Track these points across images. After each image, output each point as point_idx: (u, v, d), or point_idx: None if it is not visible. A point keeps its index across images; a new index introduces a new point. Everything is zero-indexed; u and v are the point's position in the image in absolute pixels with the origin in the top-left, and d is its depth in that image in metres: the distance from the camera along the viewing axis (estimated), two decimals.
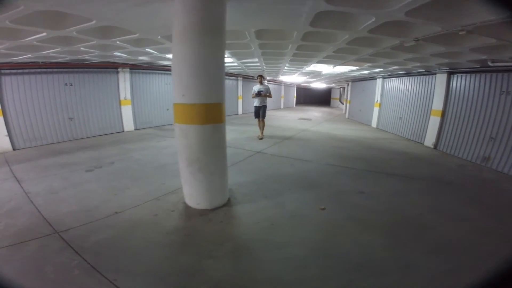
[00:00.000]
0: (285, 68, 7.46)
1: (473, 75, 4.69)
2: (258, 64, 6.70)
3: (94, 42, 3.52)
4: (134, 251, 1.90)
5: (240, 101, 12.02)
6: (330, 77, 9.94)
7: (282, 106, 17.15)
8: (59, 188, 3.09)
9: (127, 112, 7.18)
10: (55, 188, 3.08)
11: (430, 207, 2.77)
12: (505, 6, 1.01)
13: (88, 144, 5.60)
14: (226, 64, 3.18)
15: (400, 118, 7.04)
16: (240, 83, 11.83)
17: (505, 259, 1.14)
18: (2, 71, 4.91)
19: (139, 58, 5.75)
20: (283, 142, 6.11)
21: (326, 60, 5.42)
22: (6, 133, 5.05)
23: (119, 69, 6.82)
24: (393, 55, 4.32)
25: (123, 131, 7.17)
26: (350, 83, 11.39)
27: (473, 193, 3.23)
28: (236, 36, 3.48)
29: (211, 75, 2.29)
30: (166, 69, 7.77)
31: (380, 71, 6.90)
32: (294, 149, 5.37)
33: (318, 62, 5.80)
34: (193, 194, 2.58)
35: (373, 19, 2.41)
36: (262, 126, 6.36)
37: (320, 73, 8.08)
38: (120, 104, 7.05)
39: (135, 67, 6.96)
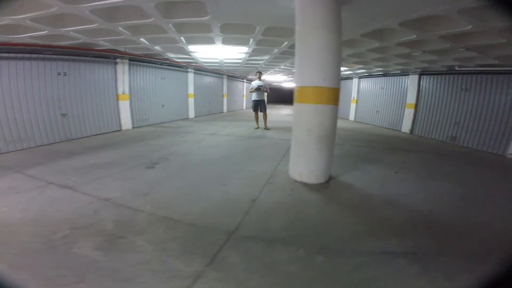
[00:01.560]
0: (282, 66, 8.27)
1: (439, 76, 6.48)
2: (261, 62, 7.41)
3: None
4: (318, 223, 2.25)
5: (225, 99, 12.13)
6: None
7: (245, 106, 15.81)
8: (140, 187, 2.78)
9: (125, 108, 6.61)
10: (137, 189, 2.73)
11: (443, 165, 4.16)
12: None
13: (92, 145, 4.84)
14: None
15: (377, 111, 8.78)
16: (225, 81, 11.97)
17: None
18: None
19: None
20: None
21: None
22: None
23: (118, 60, 6.24)
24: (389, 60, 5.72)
25: (120, 130, 6.58)
26: None
27: (461, 158, 4.85)
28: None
29: (339, 64, 2.84)
30: (166, 62, 7.37)
31: (361, 72, 8.48)
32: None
33: None
34: (314, 171, 3.04)
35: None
36: (264, 117, 7.12)
37: None
38: (117, 100, 6.44)
39: (135, 58, 6.45)
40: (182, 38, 4.70)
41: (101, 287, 1.39)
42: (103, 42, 4.83)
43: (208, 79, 10.62)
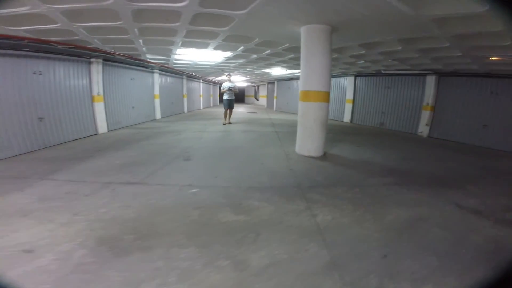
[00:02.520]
0: (247, 68, 9.38)
1: (369, 77, 8.85)
2: (233, 64, 8.36)
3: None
4: (339, 175, 3.68)
5: (185, 99, 12.21)
6: (257, 77, 12.70)
7: (202, 106, 16.16)
8: (204, 173, 3.36)
9: (100, 110, 6.34)
10: (202, 174, 3.30)
11: (382, 141, 6.08)
12: None
13: (86, 148, 4.72)
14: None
15: None
16: (185, 82, 12.06)
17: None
18: None
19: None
20: (267, 127, 8.09)
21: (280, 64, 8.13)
22: None
23: (92, 59, 5.97)
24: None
25: (97, 134, 6.30)
26: (276, 82, 14.69)
27: (391, 136, 7.09)
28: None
29: (330, 76, 4.19)
30: (135, 62, 7.28)
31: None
32: (284, 129, 7.57)
33: (274, 66, 8.40)
34: (317, 147, 4.30)
35: None
36: (230, 114, 8.31)
37: (270, 74, 10.56)
38: (92, 101, 6.15)
39: (109, 57, 6.19)
40: (179, 41, 5.11)
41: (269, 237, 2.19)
42: (97, 41, 4.78)
43: (170, 80, 10.64)
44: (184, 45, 5.51)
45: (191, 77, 12.48)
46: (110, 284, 1.42)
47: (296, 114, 11.65)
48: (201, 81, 15.07)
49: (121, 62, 7.00)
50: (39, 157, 4.07)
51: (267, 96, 17.92)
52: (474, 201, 2.77)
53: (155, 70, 8.93)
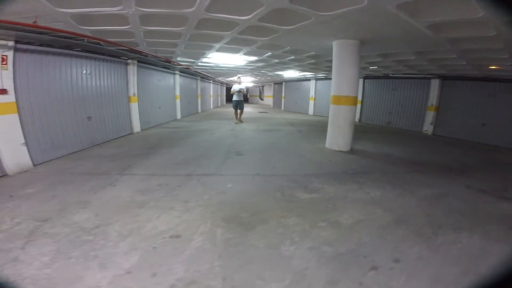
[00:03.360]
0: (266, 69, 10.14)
1: (377, 80, 9.76)
2: (250, 67, 9.11)
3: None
4: (370, 165, 4.53)
5: (199, 99, 12.84)
6: (266, 78, 13.48)
7: (212, 106, 16.91)
8: (265, 165, 4.13)
9: (135, 110, 6.88)
10: (264, 166, 4.09)
11: (393, 138, 7.00)
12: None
13: (141, 145, 5.35)
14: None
15: None
16: (199, 82, 12.69)
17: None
18: (18, 46, 3.67)
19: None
20: (287, 126, 8.90)
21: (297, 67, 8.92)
22: (23, 140, 3.74)
23: (129, 60, 6.47)
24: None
25: (132, 133, 6.85)
26: (283, 83, 15.49)
27: (399, 134, 8.02)
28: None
29: (358, 83, 4.99)
30: (165, 65, 7.83)
31: (321, 75, 11.27)
32: (303, 128, 8.39)
33: (289, 69, 9.23)
34: (347, 143, 5.14)
35: None
36: (240, 113, 9.35)
37: (282, 76, 11.35)
38: (129, 101, 6.70)
39: (142, 59, 6.66)
40: (218, 46, 5.67)
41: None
42: (145, 44, 5.17)
43: (188, 81, 11.26)
44: (220, 50, 6.13)
45: (203, 78, 13.12)
46: (259, 250, 1.95)
47: (305, 114, 13.15)
48: (211, 81, 15.72)
49: (151, 64, 7.56)
50: (96, 155, 4.53)
51: (273, 96, 18.77)
52: (479, 184, 3.61)
53: (176, 72, 9.55)
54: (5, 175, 3.44)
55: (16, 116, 3.64)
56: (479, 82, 7.14)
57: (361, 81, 10.47)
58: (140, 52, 5.90)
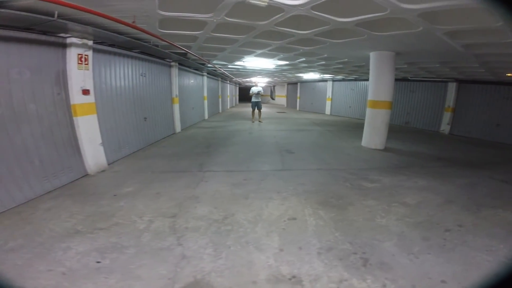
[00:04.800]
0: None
1: (396, 82, 10.61)
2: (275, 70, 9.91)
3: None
4: (405, 160, 5.38)
5: (219, 100, 13.61)
6: (283, 79, 14.30)
7: (229, 106, 17.83)
8: (320, 165, 5.13)
9: (176, 111, 7.55)
10: (319, 166, 5.13)
11: (415, 137, 7.95)
12: None
13: (190, 147, 6.15)
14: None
15: (350, 107, 12.62)
16: (220, 83, 13.45)
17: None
18: (98, 48, 4.06)
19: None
20: (313, 126, 9.74)
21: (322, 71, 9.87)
22: (101, 140, 4.15)
23: (172, 63, 7.10)
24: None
25: (175, 133, 7.52)
26: (299, 83, 16.34)
27: (419, 133, 8.94)
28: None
29: (393, 88, 5.83)
30: (196, 67, 8.52)
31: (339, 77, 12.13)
32: (330, 128, 9.23)
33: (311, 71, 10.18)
34: (382, 142, 6.00)
35: None
36: (259, 113, 10.45)
37: (301, 77, 12.17)
38: (172, 103, 7.36)
39: (182, 61, 7.22)
40: (261, 52, 6.36)
41: None
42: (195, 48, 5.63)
43: (212, 82, 12.03)
44: (260, 55, 6.82)
45: (224, 78, 13.89)
46: (361, 222, 2.68)
47: (322, 113, 14.19)
48: (228, 82, 16.50)
49: (187, 66, 8.26)
50: (158, 154, 5.21)
51: (287, 96, 19.64)
52: (501, 176, 4.46)
53: (204, 73, 10.30)
54: (86, 175, 3.88)
55: (95, 116, 4.04)
56: (494, 86, 8.04)
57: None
58: (184, 55, 6.40)
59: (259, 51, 6.27)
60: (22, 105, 3.10)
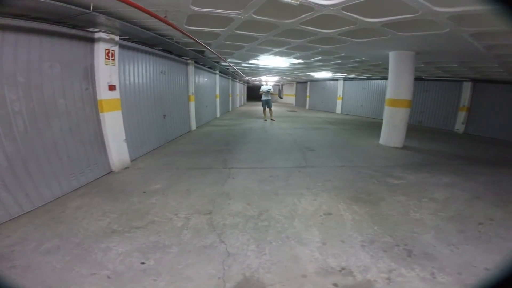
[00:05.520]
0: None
1: None
2: (286, 69, 9.86)
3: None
4: (425, 158, 5.33)
5: (230, 98, 13.61)
6: (293, 78, 14.24)
7: (238, 104, 17.82)
8: (343, 162, 5.21)
9: (192, 109, 7.56)
10: (342, 163, 5.18)
11: (431, 136, 7.88)
12: None
13: (207, 144, 6.15)
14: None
15: (361, 106, 12.52)
16: (230, 82, 13.45)
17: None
18: (122, 43, 4.04)
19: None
20: (327, 124, 9.71)
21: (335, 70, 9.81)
22: (124, 137, 4.13)
23: (189, 60, 7.09)
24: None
25: (190, 130, 7.54)
26: (308, 82, 16.28)
27: (433, 132, 8.84)
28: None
29: (412, 88, 5.74)
30: (210, 65, 8.53)
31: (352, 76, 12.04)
32: (344, 126, 9.17)
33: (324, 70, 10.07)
34: (401, 140, 5.95)
35: None
36: (270, 112, 10.37)
37: (313, 76, 12.10)
38: (188, 100, 7.36)
39: (198, 59, 7.23)
40: (278, 50, 6.32)
41: None
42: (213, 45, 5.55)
43: (224, 81, 12.03)
44: (276, 53, 6.78)
45: (234, 77, 13.88)
46: (396, 217, 2.74)
47: (332, 112, 14.14)
48: (237, 81, 16.50)
49: (201, 64, 8.25)
50: (179, 151, 5.20)
51: (296, 95, 19.59)
52: None
53: (217, 72, 10.29)
54: (111, 172, 3.86)
55: (120, 113, 4.01)
56: (509, 85, 7.88)
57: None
58: (201, 52, 6.41)
59: (277, 49, 6.25)
60: (53, 100, 3.10)
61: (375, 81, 12.09)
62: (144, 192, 3.22)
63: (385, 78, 11.37)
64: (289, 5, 3.09)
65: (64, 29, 3.21)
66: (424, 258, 2.03)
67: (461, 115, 9.10)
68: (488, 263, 1.98)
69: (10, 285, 1.26)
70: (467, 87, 8.90)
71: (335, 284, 1.75)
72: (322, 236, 2.34)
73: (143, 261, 1.94)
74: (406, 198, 3.21)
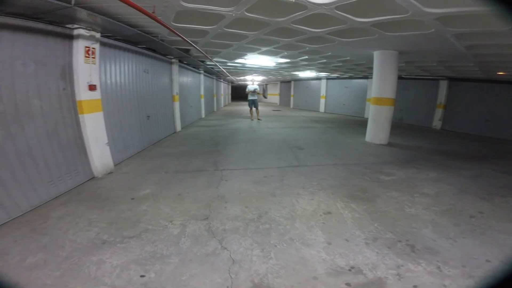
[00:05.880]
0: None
1: None
2: (271, 67, 9.88)
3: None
4: (410, 155, 5.52)
5: (214, 99, 13.35)
6: (277, 77, 14.31)
7: (222, 105, 17.43)
8: (334, 160, 5.21)
9: (177, 109, 7.30)
10: (334, 161, 5.16)
11: (410, 133, 8.20)
12: None
13: (195, 146, 5.95)
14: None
15: (344, 104, 12.81)
16: (215, 82, 13.19)
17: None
18: (104, 41, 3.78)
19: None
20: (313, 123, 9.76)
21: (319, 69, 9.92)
22: (107, 140, 3.87)
23: (173, 59, 6.84)
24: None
25: (175, 132, 7.29)
26: (292, 82, 16.39)
27: (412, 129, 9.24)
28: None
29: (395, 86, 5.94)
30: (194, 64, 8.35)
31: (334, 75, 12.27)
32: (330, 125, 9.32)
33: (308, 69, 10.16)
34: (386, 137, 6.15)
35: None
36: (257, 112, 10.28)
37: (297, 76, 12.21)
38: (173, 100, 7.11)
39: (182, 57, 6.96)
40: (265, 49, 6.27)
41: None
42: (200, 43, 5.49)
43: (208, 81, 11.77)
44: (263, 52, 6.72)
45: (218, 77, 13.65)
46: (393, 213, 2.91)
47: (316, 111, 14.32)
48: (222, 80, 16.25)
49: (187, 64, 8.03)
50: (165, 153, 4.95)
51: (280, 94, 19.67)
52: (501, 168, 4.67)
53: (201, 71, 10.06)
54: (93, 177, 3.60)
55: (101, 114, 3.73)
56: (484, 83, 8.43)
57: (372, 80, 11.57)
58: (187, 51, 6.23)
59: (265, 49, 6.20)
60: (26, 101, 2.83)
61: (357, 80, 12.43)
62: (133, 199, 3.02)
63: (367, 77, 11.73)
64: (284, 3, 3.05)
65: (40, 25, 2.95)
66: (427, 253, 2.07)
67: (438, 112, 9.57)
68: (488, 255, 2.05)
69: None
70: (443, 85, 9.38)
71: (348, 284, 1.72)
72: (326, 236, 2.31)
73: (142, 274, 1.79)
74: (399, 194, 3.28)
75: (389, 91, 5.94)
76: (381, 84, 5.99)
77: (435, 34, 3.98)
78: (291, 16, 3.63)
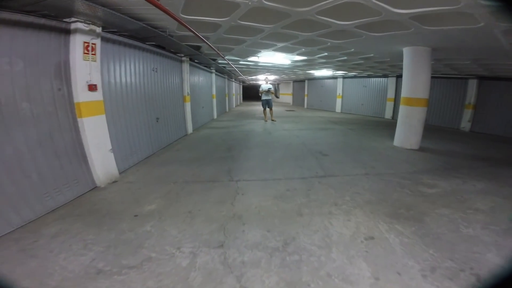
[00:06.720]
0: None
1: None
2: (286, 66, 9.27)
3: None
4: (443, 160, 4.82)
5: (226, 98, 12.91)
6: (290, 76, 13.66)
7: (234, 105, 16.91)
8: (364, 169, 4.69)
9: (188, 110, 6.83)
10: (364, 170, 4.63)
11: (440, 135, 7.51)
12: None
13: (207, 151, 5.35)
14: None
15: (362, 104, 12.05)
16: (226, 81, 12.76)
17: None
18: (106, 36, 3.47)
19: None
20: (332, 124, 9.14)
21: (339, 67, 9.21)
22: (110, 146, 3.44)
23: (184, 58, 6.37)
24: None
25: (187, 134, 6.85)
26: (306, 81, 15.75)
27: (439, 131, 8.41)
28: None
29: (429, 85, 5.27)
30: (206, 63, 7.87)
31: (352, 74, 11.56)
32: (351, 126, 8.65)
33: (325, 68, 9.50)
34: (417, 141, 5.48)
35: None
36: (271, 113, 9.68)
37: (313, 74, 11.54)
38: (183, 101, 6.64)
39: (193, 56, 6.53)
40: (281, 44, 5.65)
41: None
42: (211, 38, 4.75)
43: (220, 80, 11.32)
44: (279, 49, 6.14)
45: (230, 76, 13.20)
46: (447, 235, 2.33)
47: (332, 111, 13.53)
48: (233, 80, 15.80)
49: (198, 62, 7.54)
50: (176, 160, 4.45)
51: (293, 94, 19.06)
52: None
53: (213, 70, 9.59)
54: (95, 187, 3.21)
55: (103, 117, 3.32)
56: None
57: (393, 79, 10.78)
58: (197, 48, 5.75)
59: (281, 45, 5.63)
60: (13, 104, 2.42)
61: (377, 79, 11.64)
62: (136, 216, 2.57)
63: (387, 75, 10.93)
64: None
65: (30, 19, 2.53)
66: None
67: (467, 113, 8.70)
68: None
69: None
70: (472, 84, 8.50)
71: None
72: (372, 268, 1.83)
73: None
74: (450, 210, 2.72)
75: (422, 91, 5.24)
76: (412, 83, 5.31)
77: (482, 30, 3.39)
78: (317, 5, 3.08)
